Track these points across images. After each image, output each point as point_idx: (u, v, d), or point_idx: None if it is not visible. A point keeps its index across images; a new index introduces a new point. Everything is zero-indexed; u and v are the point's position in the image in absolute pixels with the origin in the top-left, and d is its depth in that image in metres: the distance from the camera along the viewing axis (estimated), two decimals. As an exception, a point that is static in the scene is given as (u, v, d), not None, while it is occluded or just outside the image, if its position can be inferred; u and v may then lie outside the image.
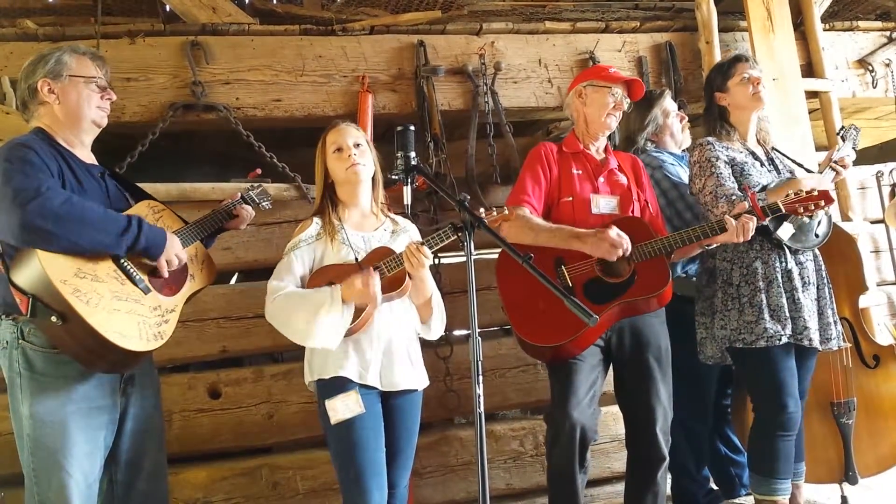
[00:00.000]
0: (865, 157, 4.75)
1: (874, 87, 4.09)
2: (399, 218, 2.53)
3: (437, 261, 3.11)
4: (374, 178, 2.44)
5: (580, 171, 2.66)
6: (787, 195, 2.45)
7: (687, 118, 3.31)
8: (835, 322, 2.70)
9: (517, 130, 3.68)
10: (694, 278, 2.94)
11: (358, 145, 2.38)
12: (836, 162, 2.69)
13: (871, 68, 4.08)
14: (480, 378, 1.85)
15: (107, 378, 2.05)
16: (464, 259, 2.00)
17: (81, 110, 2.12)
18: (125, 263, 2.02)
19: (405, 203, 2.79)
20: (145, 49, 3.22)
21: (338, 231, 2.34)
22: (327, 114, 3.35)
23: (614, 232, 2.45)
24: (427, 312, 2.40)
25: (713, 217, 2.61)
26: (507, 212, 2.24)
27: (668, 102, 3.22)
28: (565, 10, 4.00)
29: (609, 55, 3.71)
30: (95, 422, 2.01)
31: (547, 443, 2.65)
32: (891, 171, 4.02)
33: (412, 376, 2.34)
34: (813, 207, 2.42)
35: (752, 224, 2.43)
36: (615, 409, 2.89)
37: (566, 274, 2.54)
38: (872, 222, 3.95)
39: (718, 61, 3.12)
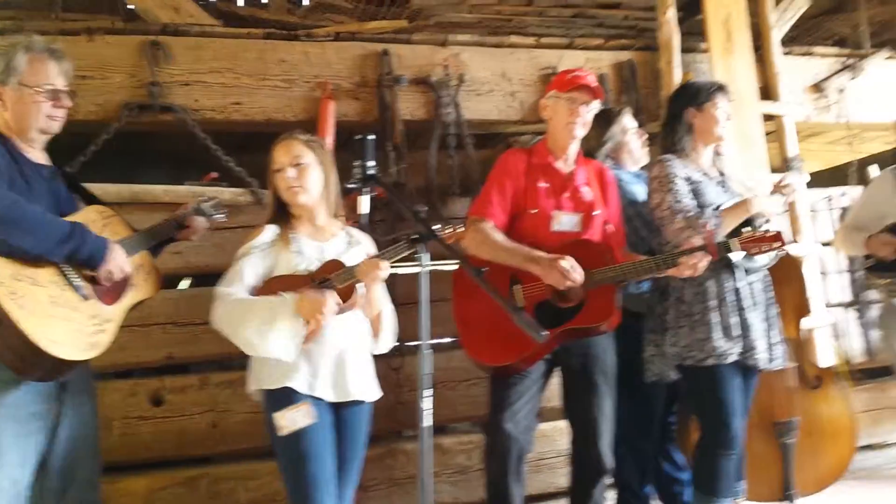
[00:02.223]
0: (818, 180, 4.85)
1: (828, 112, 4.19)
2: (354, 230, 2.50)
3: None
4: (327, 188, 2.38)
5: (546, 185, 2.65)
6: (741, 233, 2.49)
7: (646, 135, 3.35)
8: (779, 342, 2.75)
9: (478, 143, 3.70)
10: (646, 294, 2.97)
11: (298, 164, 2.30)
12: (784, 186, 2.76)
13: (825, 94, 4.18)
14: (429, 391, 1.84)
15: (41, 383, 1.98)
16: (418, 270, 1.99)
17: (28, 120, 2.06)
18: (66, 268, 1.97)
19: (361, 213, 2.78)
20: (103, 47, 3.16)
21: (292, 241, 2.31)
22: (288, 119, 3.32)
23: (568, 263, 2.45)
24: (378, 326, 2.38)
25: (668, 232, 2.65)
26: (460, 230, 2.26)
27: (628, 120, 3.24)
28: (531, 25, 4.03)
29: (572, 71, 3.74)
30: (27, 428, 1.96)
31: (484, 454, 2.67)
32: (840, 196, 4.11)
33: (364, 387, 2.31)
34: (766, 249, 2.47)
35: (704, 264, 2.46)
36: (562, 424, 2.90)
37: (520, 293, 2.55)
38: (823, 245, 4.03)
39: (701, 80, 3.14)
